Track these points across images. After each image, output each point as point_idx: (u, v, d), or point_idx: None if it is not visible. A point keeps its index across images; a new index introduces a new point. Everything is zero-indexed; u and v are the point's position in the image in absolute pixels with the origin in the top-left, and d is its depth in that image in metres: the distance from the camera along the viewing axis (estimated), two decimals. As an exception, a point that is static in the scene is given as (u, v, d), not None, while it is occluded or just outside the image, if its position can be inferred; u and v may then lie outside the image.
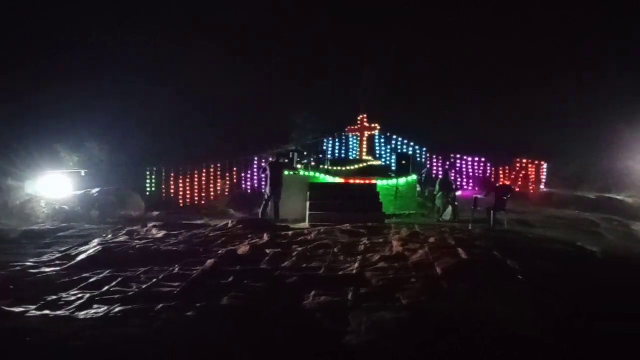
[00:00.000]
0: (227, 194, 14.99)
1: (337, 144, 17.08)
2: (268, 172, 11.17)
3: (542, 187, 16.89)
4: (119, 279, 4.99)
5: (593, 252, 5.56)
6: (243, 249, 6.37)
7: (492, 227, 8.27)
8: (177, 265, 5.49)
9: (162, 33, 18.57)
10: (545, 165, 16.97)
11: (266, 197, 11.12)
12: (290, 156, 12.16)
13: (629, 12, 18.35)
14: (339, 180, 11.79)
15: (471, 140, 17.12)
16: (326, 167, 13.36)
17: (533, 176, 16.83)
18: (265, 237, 7.35)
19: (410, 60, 20.51)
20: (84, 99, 15.90)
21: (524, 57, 20.14)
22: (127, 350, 3.07)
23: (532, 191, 16.60)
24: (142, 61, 17.57)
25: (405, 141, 16.91)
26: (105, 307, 4.07)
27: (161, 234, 8.01)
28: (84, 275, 5.23)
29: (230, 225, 8.97)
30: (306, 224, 9.71)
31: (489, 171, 17.16)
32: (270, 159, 12.17)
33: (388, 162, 16.22)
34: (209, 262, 5.56)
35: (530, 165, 16.94)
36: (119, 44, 17.74)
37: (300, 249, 6.34)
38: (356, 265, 5.14)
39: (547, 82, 18.78)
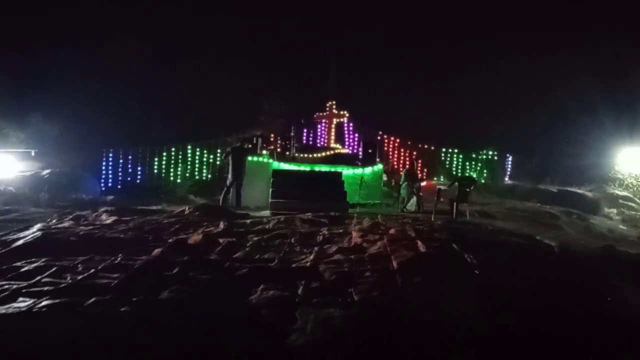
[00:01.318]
0: (188, 178, 14.53)
1: (305, 130, 16.82)
2: (230, 157, 10.85)
3: (506, 179, 17.18)
4: (53, 269, 4.61)
5: (550, 247, 5.56)
6: (195, 237, 6.07)
7: (454, 219, 8.26)
8: (120, 255, 5.15)
9: (127, 7, 17.69)
10: (510, 158, 17.27)
11: (228, 183, 10.82)
12: (255, 141, 11.85)
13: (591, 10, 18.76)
14: (304, 167, 11.57)
15: (441, 131, 17.23)
16: (292, 153, 13.10)
17: (499, 168, 17.07)
18: (221, 225, 7.07)
19: (381, 48, 20.41)
20: (32, 66, 14.94)
21: (493, 49, 20.35)
22: (40, 350, 2.77)
23: (496, 182, 16.83)
24: (104, 36, 16.71)
25: (374, 129, 16.81)
26: (31, 301, 3.71)
27: (110, 220, 7.60)
28: (16, 264, 4.82)
29: (186, 212, 8.67)
30: (267, 212, 9.49)
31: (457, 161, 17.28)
32: (235, 144, 11.80)
33: (356, 151, 16.10)
34: (156, 251, 5.25)
35: (495, 157, 17.18)
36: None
37: (256, 238, 6.11)
38: (311, 257, 4.95)
39: (519, 77, 19.09)
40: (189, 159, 14.69)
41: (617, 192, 16.12)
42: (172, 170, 14.47)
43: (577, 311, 3.36)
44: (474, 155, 17.31)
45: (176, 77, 17.33)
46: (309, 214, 8.26)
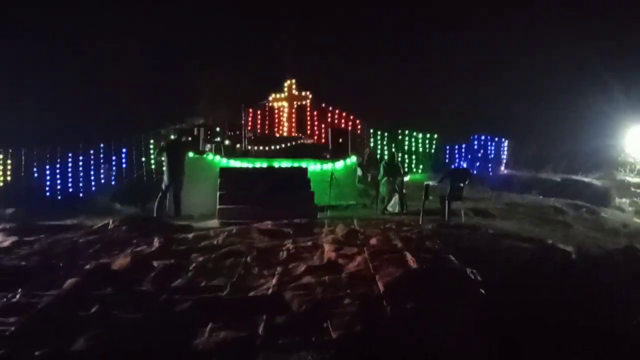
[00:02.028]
0: (113, 183, 13.90)
1: (259, 117, 16.46)
2: (165, 154, 10.43)
3: (502, 168, 17.46)
4: None
5: (567, 253, 5.52)
6: (121, 261, 5.67)
7: (446, 221, 8.19)
8: (19, 290, 4.70)
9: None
10: (506, 143, 17.54)
11: (163, 187, 10.42)
12: (195, 133, 11.44)
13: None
14: (259, 164, 11.26)
15: (422, 114, 17.30)
16: (244, 146, 12.75)
17: (494, 156, 17.31)
18: (156, 242, 6.69)
19: (350, 16, 20.28)
20: None
21: (487, 22, 20.65)
22: None
23: (491, 173, 17.06)
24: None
25: (344, 114, 16.63)
26: None
27: (8, 242, 7.06)
28: None
29: (110, 226, 8.23)
30: (215, 222, 9.16)
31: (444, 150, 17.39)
32: (171, 137, 11.34)
33: (323, 141, 15.91)
34: (69, 282, 4.83)
35: (489, 143, 17.41)
36: None
37: (201, 258, 5.77)
38: (274, 280, 4.68)
39: (510, 53, 19.43)
40: (113, 158, 14.05)
41: (628, 179, 16.67)
42: (92, 174, 13.79)
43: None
44: (463, 143, 17.46)
45: (90, 61, 16.55)
46: (268, 222, 8.01)
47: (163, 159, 10.51)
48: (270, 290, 4.39)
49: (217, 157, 11.03)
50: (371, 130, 16.80)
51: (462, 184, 8.48)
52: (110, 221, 8.44)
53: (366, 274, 4.65)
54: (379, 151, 16.46)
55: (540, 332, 3.31)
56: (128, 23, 17.44)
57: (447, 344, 3.23)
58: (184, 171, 10.41)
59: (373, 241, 6.13)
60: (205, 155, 10.95)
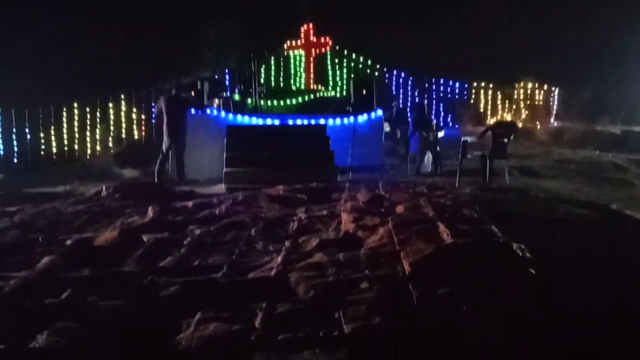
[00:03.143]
0: (111, 143, 13.70)
1: (273, 67, 15.89)
2: (164, 111, 10.10)
3: (551, 120, 16.79)
4: None
5: (636, 222, 4.96)
6: (107, 235, 5.37)
7: (487, 183, 7.69)
8: (-14, 271, 4.42)
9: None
10: (555, 92, 16.77)
11: (164, 149, 10.19)
12: (199, 87, 11.02)
13: None
14: (271, 121, 10.85)
15: (457, 59, 16.52)
16: (255, 101, 12.28)
17: (542, 106, 16.57)
18: (150, 212, 6.39)
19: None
20: None
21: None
22: None
23: (539, 126, 16.41)
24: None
25: (369, 62, 15.93)
26: None
27: (-14, 213, 6.83)
28: None
29: (103, 194, 8.03)
30: (222, 187, 8.87)
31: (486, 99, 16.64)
32: (172, 92, 10.95)
33: (345, 93, 15.35)
34: (43, 262, 4.52)
35: (537, 91, 16.63)
36: None
37: (198, 231, 5.44)
38: (279, 259, 4.29)
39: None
40: (112, 117, 13.79)
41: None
42: (88, 133, 13.59)
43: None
44: (507, 90, 16.68)
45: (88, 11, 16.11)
46: (280, 187, 7.66)
47: (162, 118, 10.22)
48: (273, 271, 4.00)
49: (224, 114, 10.63)
50: (400, 79, 16.12)
51: (506, 140, 7.89)
52: (104, 188, 8.22)
53: (390, 250, 4.22)
54: (409, 102, 15.83)
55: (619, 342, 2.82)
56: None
57: (487, 338, 2.80)
58: (186, 130, 10.11)
59: (400, 209, 5.69)
60: (210, 111, 10.57)
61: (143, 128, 14.27)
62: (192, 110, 10.35)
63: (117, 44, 16.16)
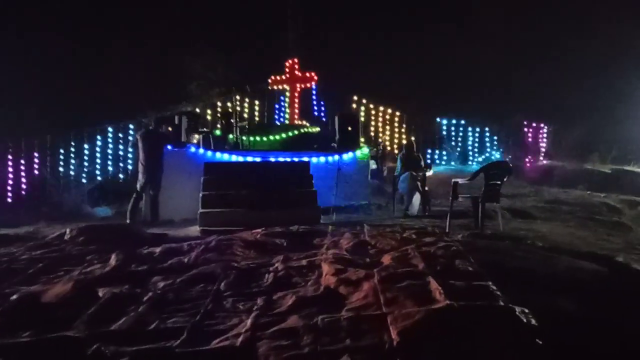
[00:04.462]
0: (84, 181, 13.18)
1: (257, 103, 15.57)
2: (140, 147, 9.69)
3: (541, 158, 16.57)
4: None
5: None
6: (59, 289, 4.81)
7: (480, 228, 7.24)
8: None
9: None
10: (545, 129, 16.58)
11: (138, 186, 9.72)
12: (177, 122, 10.63)
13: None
14: (252, 158, 10.45)
15: (447, 95, 16.39)
16: (236, 137, 11.89)
17: (531, 143, 16.37)
18: (113, 260, 5.84)
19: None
20: None
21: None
22: None
23: (528, 164, 16.17)
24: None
25: (355, 97, 15.66)
26: None
27: None
28: None
29: (67, 237, 7.52)
30: (197, 230, 8.37)
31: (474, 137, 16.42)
32: (150, 127, 10.54)
33: (331, 128, 15.03)
34: (-23, 323, 3.97)
35: (526, 129, 16.44)
36: None
37: (162, 284, 4.90)
38: (249, 321, 3.77)
39: (552, 28, 18.33)
40: (86, 152, 13.30)
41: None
42: (60, 170, 13.06)
43: None
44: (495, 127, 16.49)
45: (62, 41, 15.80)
46: (259, 230, 7.22)
47: (138, 154, 9.80)
48: (240, 338, 3.47)
49: (202, 150, 10.21)
50: (387, 116, 15.86)
51: (499, 182, 7.48)
52: (68, 230, 7.70)
53: (375, 312, 3.72)
54: (395, 140, 15.54)
55: None
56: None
57: None
58: (162, 168, 9.68)
59: (386, 259, 5.21)
60: (187, 148, 10.16)
61: (120, 164, 13.80)
62: (169, 147, 9.91)
63: (95, 74, 15.81)
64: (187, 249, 6.32)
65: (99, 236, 7.32)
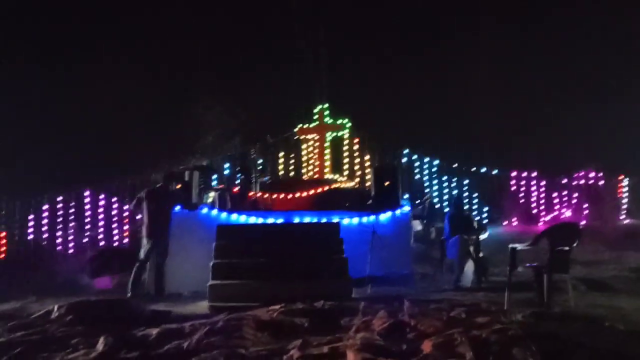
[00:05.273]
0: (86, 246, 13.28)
1: (282, 154, 15.64)
2: (145, 208, 9.68)
3: (621, 217, 16.00)
4: None
5: None
6: (33, 381, 4.66)
7: (545, 306, 6.84)
8: None
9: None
10: (625, 182, 16.09)
11: (142, 254, 9.65)
12: (187, 178, 10.63)
13: None
14: (272, 219, 10.32)
15: (500, 143, 16.24)
16: (255, 194, 11.82)
17: (607, 199, 15.84)
18: (100, 345, 5.66)
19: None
20: None
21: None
22: None
23: (605, 224, 15.59)
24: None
25: (394, 148, 15.60)
26: None
27: None
28: None
29: (53, 315, 7.40)
30: (206, 305, 8.20)
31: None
32: (157, 185, 10.57)
33: (367, 185, 14.89)
34: None
35: (600, 182, 15.96)
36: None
37: (152, 377, 4.67)
38: None
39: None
40: (87, 213, 13.46)
41: None
42: (58, 235, 13.22)
43: None
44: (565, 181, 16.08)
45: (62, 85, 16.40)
46: (277, 307, 6.98)
47: (142, 215, 9.78)
48: None
49: (215, 212, 10.14)
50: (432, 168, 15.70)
51: (568, 247, 7.08)
52: (56, 307, 7.62)
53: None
54: (444, 195, 15.30)
55: None
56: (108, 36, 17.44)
57: None
58: (169, 232, 9.60)
59: (427, 346, 4.88)
60: (198, 210, 10.12)
61: (125, 227, 13.88)
62: (178, 208, 9.87)
63: (98, 124, 16.24)
64: (189, 331, 6.10)
65: (89, 314, 7.20)
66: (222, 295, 8.13)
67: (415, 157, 15.50)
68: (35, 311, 8.02)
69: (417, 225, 12.14)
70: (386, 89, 18.26)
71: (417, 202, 12.67)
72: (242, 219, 10.28)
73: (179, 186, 10.50)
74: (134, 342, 5.84)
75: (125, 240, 13.75)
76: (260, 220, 10.35)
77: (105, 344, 5.67)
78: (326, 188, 13.02)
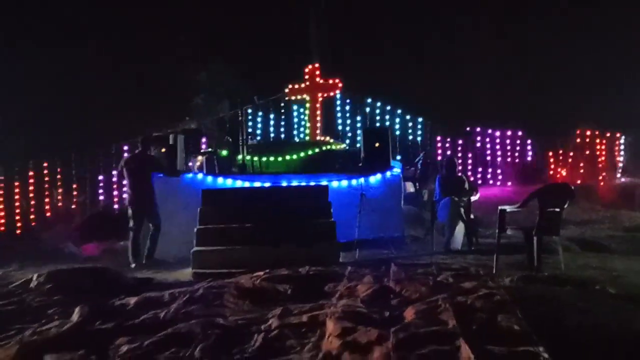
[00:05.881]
0: (73, 212, 13.12)
1: (272, 116, 15.41)
2: (127, 175, 9.50)
3: (617, 175, 15.88)
4: None
5: None
6: (2, 354, 4.52)
7: (535, 268, 6.70)
8: None
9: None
10: (622, 140, 15.92)
11: (131, 223, 9.47)
12: (171, 142, 10.41)
13: None
14: (259, 183, 10.15)
15: (498, 104, 16.00)
16: (244, 157, 11.56)
17: (603, 158, 15.67)
18: (75, 315, 5.52)
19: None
20: None
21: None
22: None
23: (601, 182, 15.48)
24: None
25: (388, 107, 15.29)
26: None
27: None
28: None
29: (33, 284, 7.35)
30: (189, 272, 8.09)
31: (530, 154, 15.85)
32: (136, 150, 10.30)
33: (359, 145, 14.67)
34: None
35: (597, 140, 15.76)
36: None
37: (125, 348, 4.53)
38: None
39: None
40: (74, 178, 13.27)
41: None
42: (44, 199, 13.05)
43: None
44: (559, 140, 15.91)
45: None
46: (261, 273, 6.86)
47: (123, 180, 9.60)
48: None
49: (201, 175, 9.94)
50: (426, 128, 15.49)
51: (559, 209, 6.88)
52: (35, 276, 7.54)
53: (381, 394, 3.24)
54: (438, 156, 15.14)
55: None
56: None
57: None
58: (154, 199, 9.48)
59: (409, 313, 4.73)
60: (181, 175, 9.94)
61: (114, 193, 13.69)
62: (160, 175, 9.67)
63: (86, 88, 15.94)
64: (168, 300, 5.97)
65: (69, 283, 7.10)
66: (206, 262, 8.01)
67: (408, 117, 15.26)
68: (15, 280, 7.93)
69: (410, 187, 11.94)
70: (380, 48, 17.99)
71: (408, 165, 12.40)
72: (229, 182, 10.16)
73: (163, 150, 10.27)
74: (111, 312, 5.70)
75: (115, 207, 13.58)
76: (247, 184, 10.20)
77: (80, 315, 5.52)
78: (317, 150, 12.80)
